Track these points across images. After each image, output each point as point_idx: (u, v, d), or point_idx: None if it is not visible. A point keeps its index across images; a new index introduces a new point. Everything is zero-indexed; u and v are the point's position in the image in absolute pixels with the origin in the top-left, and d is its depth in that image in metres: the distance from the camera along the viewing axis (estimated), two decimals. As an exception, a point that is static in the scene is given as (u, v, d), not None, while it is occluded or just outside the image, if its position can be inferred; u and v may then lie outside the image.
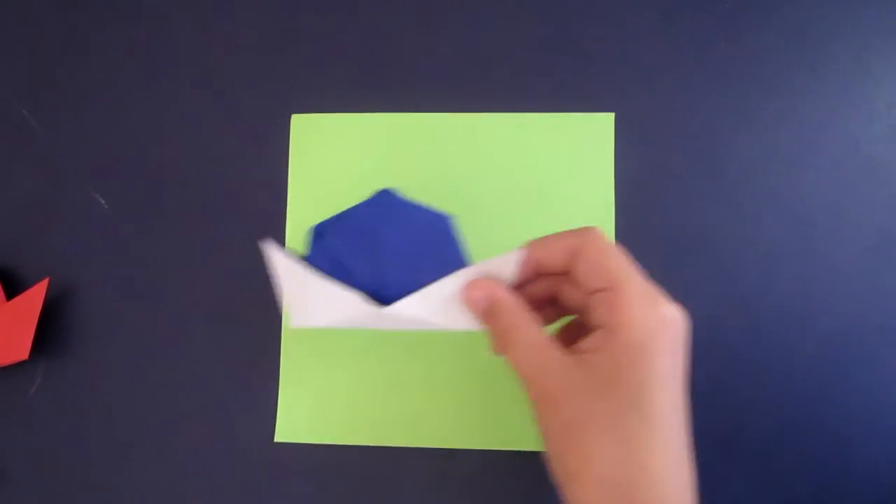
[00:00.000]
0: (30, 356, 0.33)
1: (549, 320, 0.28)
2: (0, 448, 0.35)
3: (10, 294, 0.35)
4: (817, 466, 0.34)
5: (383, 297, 0.27)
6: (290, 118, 0.37)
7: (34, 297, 0.34)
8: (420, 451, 0.34)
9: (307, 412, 0.34)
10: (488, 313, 0.26)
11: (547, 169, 0.36)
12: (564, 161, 0.36)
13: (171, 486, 0.34)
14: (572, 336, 0.27)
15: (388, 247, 0.27)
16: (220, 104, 0.37)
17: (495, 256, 0.26)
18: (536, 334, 0.25)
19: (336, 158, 0.36)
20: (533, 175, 0.36)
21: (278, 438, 0.34)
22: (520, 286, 0.27)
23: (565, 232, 0.26)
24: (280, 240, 0.36)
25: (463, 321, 0.27)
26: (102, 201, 0.37)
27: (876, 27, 0.37)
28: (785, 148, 0.36)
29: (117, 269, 0.36)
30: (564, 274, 0.26)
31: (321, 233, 0.27)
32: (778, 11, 0.37)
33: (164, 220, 0.36)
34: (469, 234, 0.34)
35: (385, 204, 0.28)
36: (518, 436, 0.34)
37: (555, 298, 0.28)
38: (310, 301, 0.27)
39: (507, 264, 0.26)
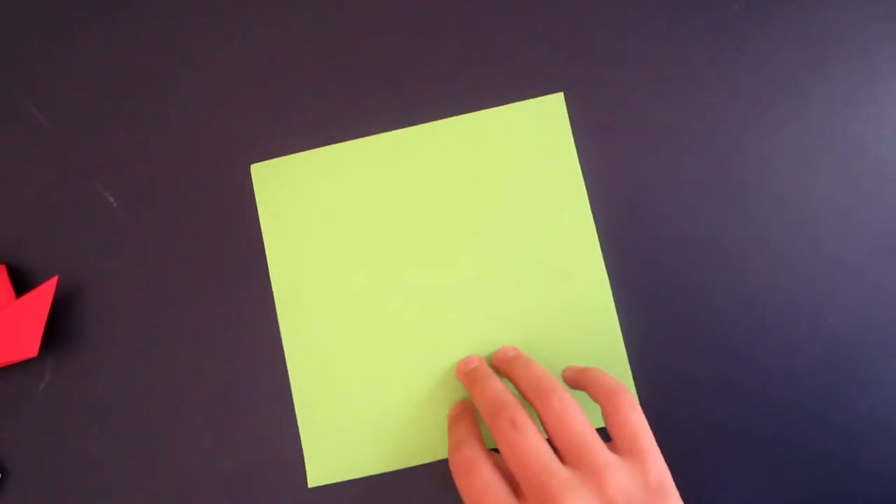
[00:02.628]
0: (39, 353, 0.34)
1: None
2: (8, 445, 0.35)
3: (20, 291, 0.35)
4: (825, 467, 0.34)
5: None
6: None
7: (43, 295, 0.34)
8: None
9: (334, 451, 0.34)
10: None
11: (511, 164, 0.35)
12: (525, 152, 0.35)
13: (180, 484, 0.34)
14: None
15: None
16: (228, 103, 0.37)
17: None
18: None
19: (305, 200, 0.36)
20: (498, 174, 0.35)
21: (311, 484, 0.34)
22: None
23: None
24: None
25: None
26: (112, 199, 0.37)
27: (884, 28, 0.37)
28: (792, 149, 0.36)
29: (127, 267, 0.36)
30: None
31: None
32: (785, 13, 0.37)
33: (174, 218, 0.36)
34: (448, 243, 0.35)
35: None
36: None
37: None
38: None
39: None
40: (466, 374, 0.32)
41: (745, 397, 0.34)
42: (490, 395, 0.29)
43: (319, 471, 0.34)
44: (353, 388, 0.34)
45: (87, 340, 0.36)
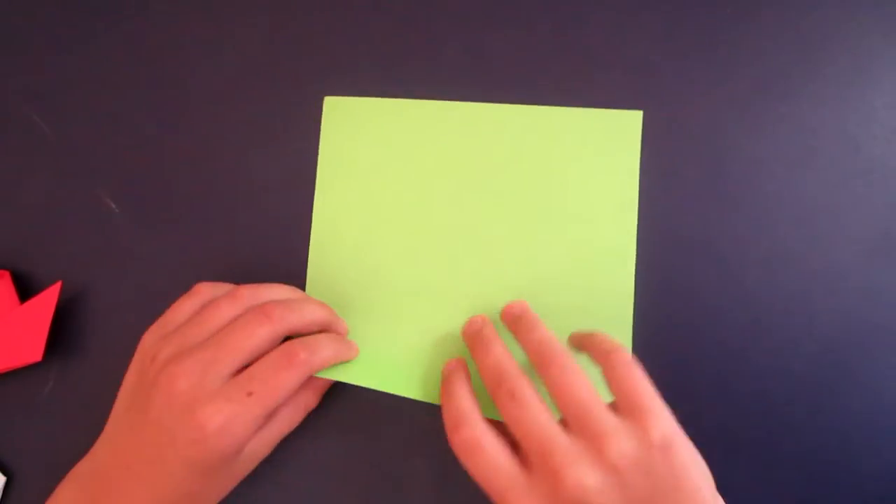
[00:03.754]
0: (43, 358, 0.34)
1: None
2: (13, 449, 0.36)
3: (24, 297, 0.35)
4: (819, 466, 0.34)
5: None
6: (315, 104, 0.37)
7: (47, 300, 0.34)
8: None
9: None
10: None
11: (571, 165, 0.36)
12: (589, 157, 0.36)
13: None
14: None
15: None
16: (233, 108, 0.38)
17: None
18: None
19: (366, 143, 0.37)
20: (555, 170, 0.36)
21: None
22: None
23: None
24: (303, 238, 0.36)
25: None
26: (113, 205, 0.37)
27: (875, 29, 0.37)
28: (785, 149, 0.36)
29: (129, 273, 0.37)
30: None
31: None
32: (778, 13, 0.37)
33: (176, 223, 0.37)
34: (488, 226, 0.35)
35: None
36: None
37: None
38: None
39: None
40: (470, 337, 0.32)
41: (740, 397, 0.34)
42: (492, 361, 0.29)
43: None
44: (368, 317, 0.35)
45: (91, 345, 0.36)
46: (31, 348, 0.34)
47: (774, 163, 0.36)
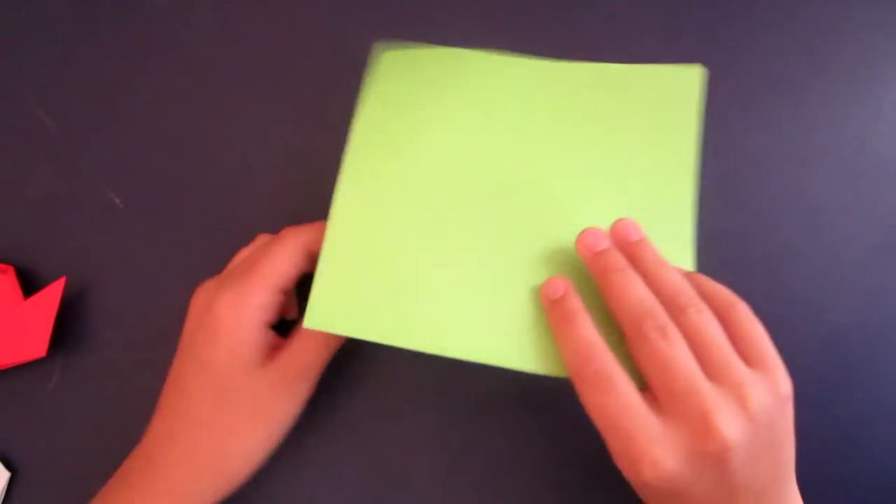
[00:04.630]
0: (47, 353, 0.34)
1: None
2: (18, 443, 0.36)
3: (28, 292, 0.35)
4: (825, 460, 0.34)
5: None
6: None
7: (51, 296, 0.34)
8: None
9: (348, 295, 0.30)
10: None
11: (628, 122, 0.34)
12: (648, 114, 0.34)
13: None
14: None
15: None
16: (239, 104, 0.38)
17: None
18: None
19: (416, 93, 0.34)
20: (612, 127, 0.34)
21: (306, 324, 0.29)
22: None
23: None
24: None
25: None
26: (118, 200, 0.37)
27: (882, 26, 0.37)
28: (791, 146, 0.36)
29: (133, 268, 0.37)
30: None
31: None
32: (785, 10, 0.37)
33: (180, 218, 0.37)
34: (539, 182, 0.33)
35: None
36: None
37: None
38: None
39: None
40: (597, 256, 0.29)
41: (745, 393, 0.34)
42: (637, 296, 0.27)
43: (324, 311, 0.30)
44: (397, 259, 0.31)
45: (95, 340, 0.36)
46: (35, 344, 0.34)
47: (779, 160, 0.36)
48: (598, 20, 0.38)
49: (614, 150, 0.33)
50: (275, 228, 0.36)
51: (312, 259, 0.31)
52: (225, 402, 0.30)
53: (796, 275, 0.35)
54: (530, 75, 0.35)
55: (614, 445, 0.25)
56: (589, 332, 0.27)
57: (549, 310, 0.29)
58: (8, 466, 0.35)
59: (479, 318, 0.30)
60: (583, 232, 0.30)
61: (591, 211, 0.32)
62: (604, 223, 0.31)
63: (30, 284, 0.36)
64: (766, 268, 0.35)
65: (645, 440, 0.24)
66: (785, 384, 0.26)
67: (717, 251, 0.36)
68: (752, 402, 0.24)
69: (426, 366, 0.35)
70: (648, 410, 0.25)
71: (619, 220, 0.30)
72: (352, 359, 0.35)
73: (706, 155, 0.37)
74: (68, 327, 0.36)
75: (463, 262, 0.31)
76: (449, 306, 0.31)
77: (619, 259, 0.28)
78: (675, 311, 0.26)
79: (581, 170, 0.33)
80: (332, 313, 0.30)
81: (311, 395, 0.31)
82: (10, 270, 0.36)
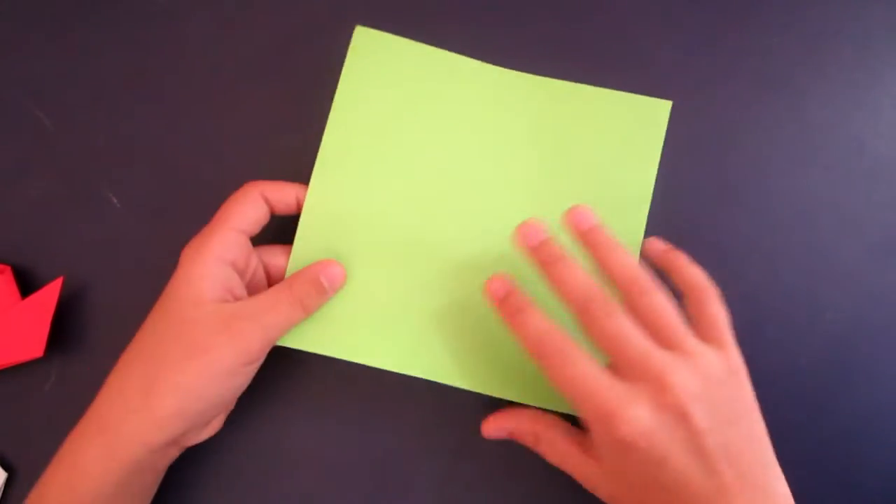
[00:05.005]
0: (44, 354, 0.34)
1: None
2: (15, 444, 0.35)
3: (25, 292, 0.35)
4: (823, 462, 0.34)
5: None
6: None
7: (48, 296, 0.34)
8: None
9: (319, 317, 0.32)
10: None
11: (592, 144, 0.35)
12: (612, 139, 0.35)
13: (183, 481, 0.35)
14: None
15: None
16: (236, 102, 0.38)
17: None
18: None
19: (389, 85, 0.35)
20: (575, 147, 0.35)
21: (281, 342, 0.31)
22: None
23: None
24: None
25: None
26: (115, 200, 0.37)
27: (881, 26, 0.37)
28: (790, 147, 0.36)
29: (131, 268, 0.36)
30: None
31: None
32: (783, 11, 0.37)
33: (177, 217, 0.37)
34: (500, 191, 0.34)
35: None
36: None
37: None
38: None
39: None
40: (536, 249, 0.30)
41: (744, 393, 0.34)
42: (579, 282, 0.28)
43: (293, 333, 0.32)
44: (362, 275, 0.33)
45: (92, 340, 0.36)
46: (32, 344, 0.34)
47: (779, 161, 0.36)
48: (598, 20, 0.38)
49: (576, 167, 0.35)
50: (273, 227, 0.36)
51: (269, 205, 0.32)
52: (165, 331, 0.29)
53: (795, 275, 0.35)
54: (506, 85, 0.36)
55: (588, 410, 0.26)
56: (541, 317, 0.28)
57: (499, 307, 0.30)
58: (5, 467, 0.35)
59: (418, 333, 0.32)
60: (520, 225, 0.30)
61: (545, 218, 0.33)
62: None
63: (27, 284, 0.36)
64: (764, 268, 0.35)
65: (614, 399, 0.25)
66: (735, 359, 0.28)
67: (716, 250, 0.36)
68: (702, 363, 0.26)
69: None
70: (612, 377, 0.26)
71: (573, 207, 0.31)
72: (346, 362, 0.35)
73: (705, 154, 0.37)
74: (65, 327, 0.36)
75: (413, 276, 0.33)
76: (391, 322, 0.32)
77: (556, 249, 0.30)
78: (632, 293, 0.28)
79: (540, 182, 0.35)
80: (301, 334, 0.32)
81: (261, 358, 0.30)
82: (8, 270, 0.35)
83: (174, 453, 0.31)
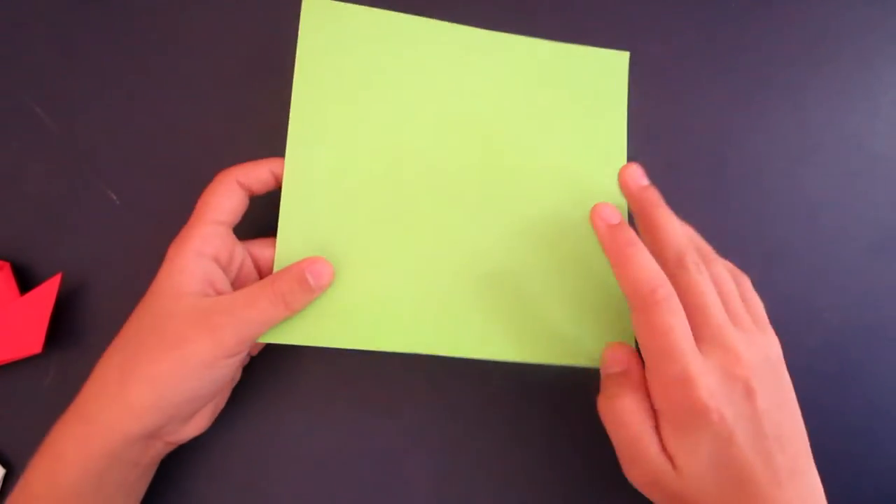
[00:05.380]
0: (43, 350, 0.34)
1: None
2: (13, 441, 0.35)
3: (24, 289, 0.35)
4: (821, 460, 0.34)
5: None
6: None
7: (47, 292, 0.34)
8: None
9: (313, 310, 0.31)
10: None
11: (560, 101, 0.35)
12: (577, 94, 0.35)
13: (181, 478, 0.35)
14: None
15: None
16: (236, 100, 0.38)
17: None
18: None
19: (347, 56, 0.34)
20: (543, 104, 0.35)
21: (262, 339, 0.30)
22: None
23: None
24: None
25: None
26: (115, 197, 0.37)
27: (879, 26, 0.37)
28: (789, 145, 0.37)
29: (129, 265, 0.36)
30: None
31: None
32: (782, 10, 0.37)
33: (177, 215, 0.37)
34: (469, 157, 0.34)
35: None
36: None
37: None
38: None
39: None
40: (613, 228, 0.30)
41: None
42: (672, 238, 0.29)
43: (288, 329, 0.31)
44: (352, 257, 0.32)
45: (91, 337, 0.36)
46: (31, 340, 0.34)
47: (776, 158, 0.36)
48: (597, 19, 0.38)
49: (549, 123, 0.35)
50: (272, 223, 0.36)
51: (246, 189, 0.32)
52: (144, 324, 0.29)
53: (793, 273, 0.35)
54: (467, 43, 0.35)
55: (665, 367, 0.26)
56: (649, 257, 0.28)
57: (609, 233, 0.30)
58: (3, 463, 0.35)
59: (416, 307, 0.31)
60: (596, 205, 0.31)
61: (511, 191, 0.33)
62: (544, 197, 0.33)
63: (26, 281, 0.36)
64: (763, 266, 0.35)
65: (695, 362, 0.26)
66: (778, 345, 0.29)
67: (715, 249, 0.36)
68: (760, 344, 0.28)
69: (421, 363, 0.35)
70: (693, 340, 0.27)
71: (627, 166, 0.32)
72: (346, 355, 0.35)
73: (704, 154, 0.37)
74: (64, 324, 0.36)
75: (381, 247, 0.32)
76: (387, 303, 0.31)
77: (632, 234, 0.30)
78: (705, 262, 0.29)
79: (519, 141, 0.34)
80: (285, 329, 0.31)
81: (239, 353, 0.30)
82: (7, 266, 0.35)
83: (159, 449, 0.30)
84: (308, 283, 0.30)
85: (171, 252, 0.30)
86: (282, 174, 0.32)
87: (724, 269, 0.29)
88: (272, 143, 0.37)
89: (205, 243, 0.30)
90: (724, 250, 0.36)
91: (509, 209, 0.33)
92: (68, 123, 0.38)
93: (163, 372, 0.28)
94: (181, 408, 0.29)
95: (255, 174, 0.32)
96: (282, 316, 0.30)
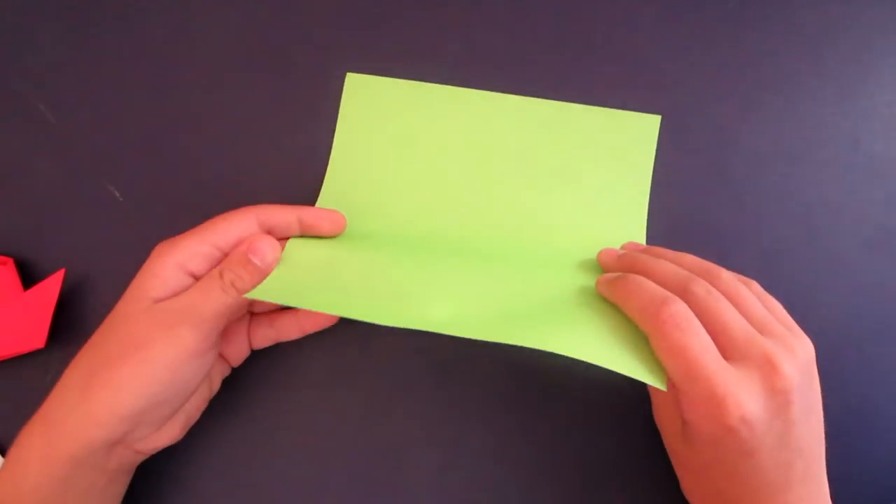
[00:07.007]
0: (46, 345, 0.34)
1: None
2: (15, 436, 0.36)
3: (27, 284, 0.36)
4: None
5: None
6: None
7: (50, 288, 0.34)
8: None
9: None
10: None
11: (586, 162, 0.36)
12: (604, 157, 0.36)
13: (183, 475, 0.35)
14: None
15: None
16: (240, 97, 0.38)
17: None
18: None
19: (384, 123, 0.37)
20: (570, 166, 0.36)
21: (250, 294, 0.28)
22: None
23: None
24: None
25: None
26: (117, 193, 0.37)
27: (876, 26, 0.37)
28: (786, 145, 0.37)
29: (132, 260, 0.36)
30: None
31: None
32: (779, 10, 0.38)
33: (179, 211, 0.37)
34: (498, 217, 0.35)
35: None
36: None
37: None
38: None
39: None
40: (620, 257, 0.32)
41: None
42: (671, 270, 0.29)
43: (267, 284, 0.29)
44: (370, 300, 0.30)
45: (93, 332, 0.36)
46: (34, 335, 0.34)
47: (775, 158, 0.37)
48: (597, 21, 0.38)
49: (573, 184, 0.36)
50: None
51: (264, 229, 0.31)
52: (108, 328, 0.29)
53: (790, 272, 0.36)
54: (496, 108, 0.37)
55: (695, 390, 0.25)
56: (651, 283, 0.28)
57: (607, 284, 0.30)
58: (5, 458, 0.35)
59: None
60: (601, 251, 0.33)
61: (535, 248, 0.35)
62: (547, 259, 0.34)
63: (29, 276, 0.36)
64: (760, 265, 0.36)
65: (728, 382, 0.24)
66: (811, 346, 0.27)
67: (712, 249, 0.36)
68: (798, 351, 0.26)
69: (419, 361, 0.35)
70: (721, 357, 0.26)
71: (600, 252, 0.33)
72: (345, 354, 0.35)
73: (703, 154, 0.37)
74: (67, 319, 0.36)
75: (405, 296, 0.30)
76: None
77: (638, 255, 0.31)
78: (713, 279, 0.28)
79: (538, 202, 0.36)
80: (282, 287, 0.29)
81: (204, 352, 0.29)
82: (10, 262, 0.36)
83: (129, 456, 0.29)
84: (254, 265, 0.29)
85: (153, 253, 0.30)
86: (311, 223, 0.32)
87: (733, 280, 0.29)
88: (274, 141, 0.38)
89: (189, 258, 0.29)
90: (722, 250, 0.36)
91: (528, 268, 0.33)
92: (71, 119, 0.38)
93: (124, 377, 0.27)
94: (146, 414, 0.28)
95: (280, 216, 0.31)
96: (236, 302, 0.29)
